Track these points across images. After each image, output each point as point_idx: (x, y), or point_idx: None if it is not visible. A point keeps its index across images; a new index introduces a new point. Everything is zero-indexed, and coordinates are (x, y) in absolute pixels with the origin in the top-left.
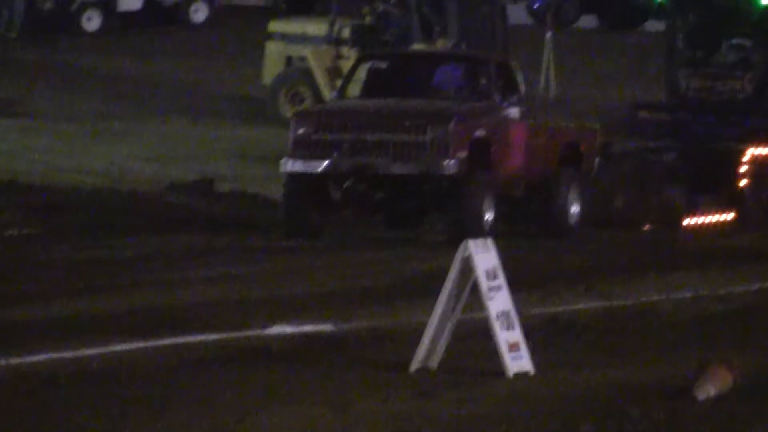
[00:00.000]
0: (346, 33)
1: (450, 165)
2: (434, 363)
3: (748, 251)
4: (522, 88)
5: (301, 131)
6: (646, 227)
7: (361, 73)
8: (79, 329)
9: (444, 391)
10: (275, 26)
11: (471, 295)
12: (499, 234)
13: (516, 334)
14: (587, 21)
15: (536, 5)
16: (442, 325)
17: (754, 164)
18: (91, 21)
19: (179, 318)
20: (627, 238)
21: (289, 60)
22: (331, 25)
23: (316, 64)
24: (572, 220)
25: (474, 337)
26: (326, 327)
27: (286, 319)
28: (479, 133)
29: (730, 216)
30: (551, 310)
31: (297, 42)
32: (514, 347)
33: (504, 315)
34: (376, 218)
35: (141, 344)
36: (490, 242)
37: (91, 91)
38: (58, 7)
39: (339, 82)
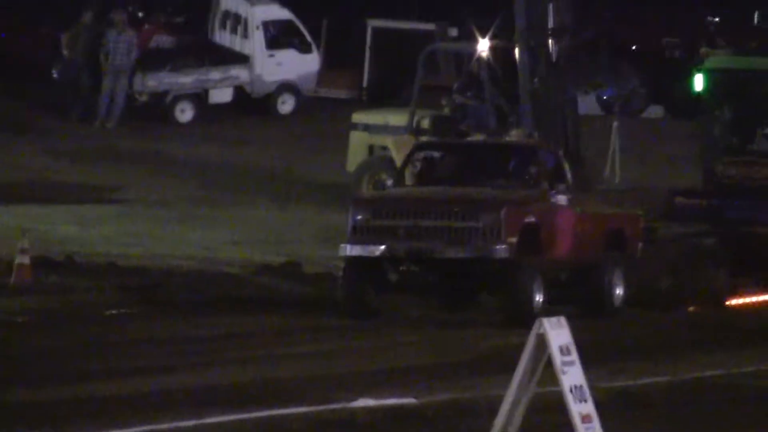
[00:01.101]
0: (425, 123)
1: (501, 250)
2: None
3: None
4: (569, 176)
5: (359, 217)
6: (691, 309)
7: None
8: (174, 402)
9: None
10: (359, 117)
11: (545, 370)
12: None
13: (589, 407)
14: (654, 111)
15: (605, 96)
16: (518, 398)
17: None
18: (185, 113)
19: (268, 392)
20: (673, 319)
21: (371, 149)
22: (411, 115)
23: (398, 152)
24: (617, 302)
25: (549, 410)
26: (408, 401)
27: (370, 393)
28: (529, 219)
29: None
30: (619, 384)
31: (379, 132)
32: (587, 419)
33: (577, 389)
34: (430, 301)
35: (233, 417)
36: (562, 320)
37: (184, 178)
38: (154, 100)
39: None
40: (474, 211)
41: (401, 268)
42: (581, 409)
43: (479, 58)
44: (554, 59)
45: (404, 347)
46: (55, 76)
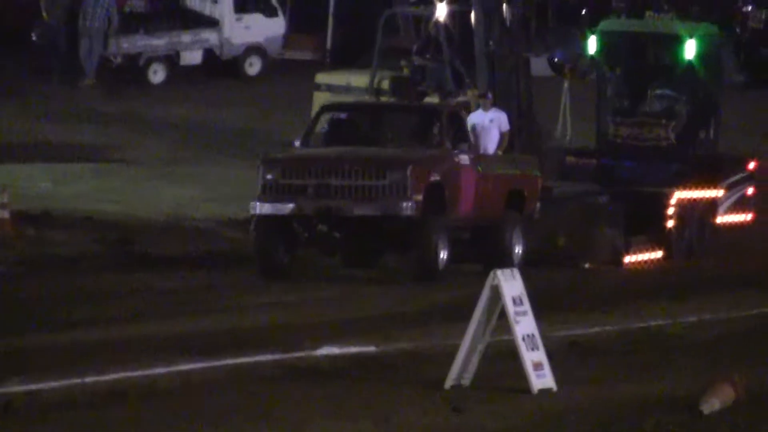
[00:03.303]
0: (385, 84)
1: (408, 207)
2: (467, 380)
3: (730, 281)
4: (471, 137)
5: (269, 176)
6: (587, 266)
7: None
8: (148, 350)
9: (476, 405)
10: (322, 78)
11: (498, 319)
12: (450, 272)
13: (540, 355)
14: None
15: (556, 58)
16: (473, 346)
17: (680, 207)
18: (157, 74)
19: (237, 340)
20: (569, 276)
21: None
22: (372, 77)
23: None
24: (516, 260)
25: (502, 358)
26: (369, 348)
27: (333, 342)
28: (434, 177)
29: (659, 254)
30: (569, 333)
31: (341, 92)
32: (538, 366)
33: (529, 337)
34: (336, 257)
35: (203, 364)
36: (515, 272)
37: (158, 138)
38: (127, 62)
39: None
40: (381, 170)
41: (311, 227)
42: (533, 357)
43: (437, 22)
44: (508, 23)
45: (365, 298)
46: (34, 39)
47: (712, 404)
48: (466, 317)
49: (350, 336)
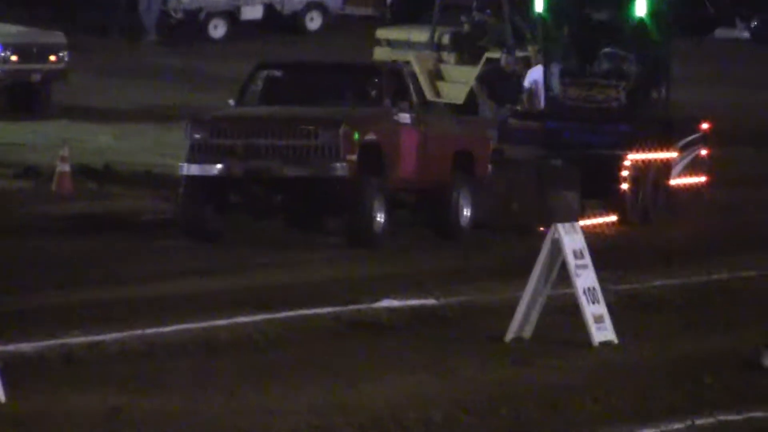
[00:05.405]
0: (446, 40)
1: (340, 168)
2: (527, 334)
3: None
4: (414, 95)
5: (197, 136)
6: (542, 229)
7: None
8: (208, 304)
9: (537, 358)
10: (382, 34)
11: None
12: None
13: (601, 308)
14: None
15: None
16: (534, 300)
17: (634, 169)
18: (217, 29)
19: (297, 294)
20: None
21: None
22: (432, 33)
23: (419, 67)
24: (464, 223)
25: (563, 311)
26: (430, 302)
27: (393, 295)
28: (369, 137)
29: (613, 218)
30: (630, 287)
31: (402, 48)
32: (599, 319)
33: (590, 290)
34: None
35: (263, 316)
36: (577, 226)
37: (218, 93)
38: (188, 17)
39: (440, 84)
40: (312, 129)
41: (241, 189)
42: (594, 310)
43: None
44: None
45: (423, 253)
46: None
47: None
48: (526, 273)
49: (409, 290)
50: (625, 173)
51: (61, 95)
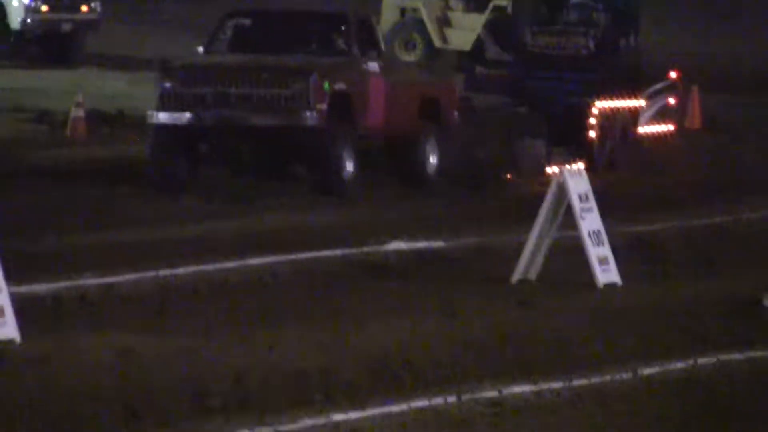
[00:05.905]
0: None
1: (310, 117)
2: (533, 275)
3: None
4: (381, 44)
5: (167, 85)
6: (509, 177)
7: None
8: (217, 246)
9: (542, 300)
10: None
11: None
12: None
13: (605, 250)
14: None
15: None
16: (540, 242)
17: (602, 117)
18: None
19: (305, 236)
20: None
21: (403, 11)
22: None
23: (427, 14)
24: (431, 171)
25: (568, 253)
26: (437, 243)
27: (401, 238)
28: (339, 86)
29: (581, 165)
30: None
31: None
32: (603, 261)
33: (595, 233)
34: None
35: (272, 258)
36: (582, 169)
37: None
38: None
39: (448, 31)
40: (282, 78)
41: (210, 138)
42: (598, 252)
43: None
44: None
45: (429, 196)
46: None
47: None
48: (531, 216)
49: (417, 232)
50: (593, 121)
51: (92, 45)
